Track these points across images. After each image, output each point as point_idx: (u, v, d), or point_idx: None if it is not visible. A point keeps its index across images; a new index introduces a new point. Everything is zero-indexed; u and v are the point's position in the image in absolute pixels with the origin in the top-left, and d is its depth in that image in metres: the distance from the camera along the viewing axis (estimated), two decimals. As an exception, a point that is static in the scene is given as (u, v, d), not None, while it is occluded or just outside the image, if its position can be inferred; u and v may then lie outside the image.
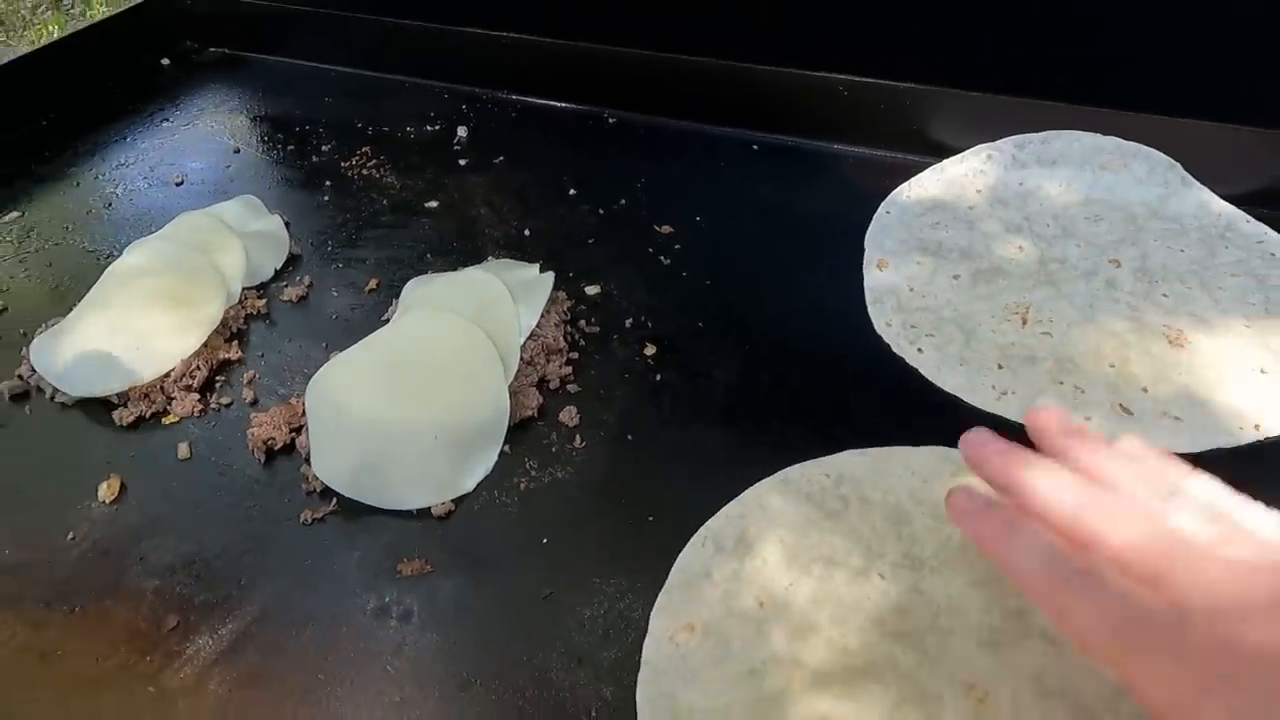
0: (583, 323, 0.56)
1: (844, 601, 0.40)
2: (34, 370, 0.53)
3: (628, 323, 0.56)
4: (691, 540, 0.43)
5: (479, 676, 0.39)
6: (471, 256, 0.62)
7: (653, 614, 0.40)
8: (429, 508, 0.45)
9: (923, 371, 0.52)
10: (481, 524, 0.45)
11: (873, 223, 0.64)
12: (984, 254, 0.60)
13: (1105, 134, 0.66)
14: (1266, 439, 0.47)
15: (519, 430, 0.50)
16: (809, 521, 0.43)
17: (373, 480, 0.46)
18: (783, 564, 0.42)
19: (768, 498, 0.45)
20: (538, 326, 0.53)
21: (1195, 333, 0.53)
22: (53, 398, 0.52)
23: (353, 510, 0.46)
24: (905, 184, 0.67)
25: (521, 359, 0.51)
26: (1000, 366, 0.52)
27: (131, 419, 0.51)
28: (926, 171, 0.68)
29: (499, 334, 0.51)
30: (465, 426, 0.48)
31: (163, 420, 0.51)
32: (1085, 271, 0.58)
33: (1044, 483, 0.34)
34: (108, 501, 0.47)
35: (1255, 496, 0.44)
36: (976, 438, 0.38)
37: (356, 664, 0.39)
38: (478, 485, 0.47)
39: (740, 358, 0.54)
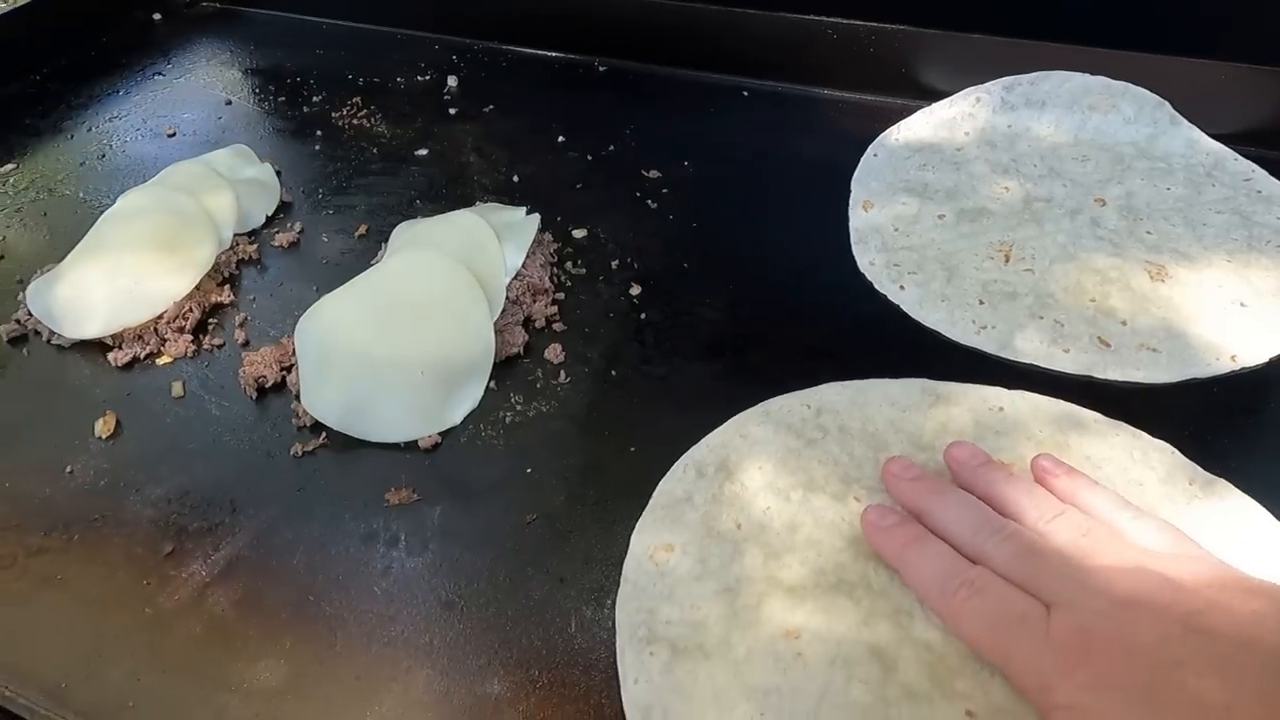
0: (569, 264, 0.57)
1: (821, 524, 0.41)
2: (30, 314, 0.54)
3: (614, 264, 0.57)
4: (673, 467, 0.44)
5: (463, 597, 0.40)
6: (460, 202, 0.62)
7: (633, 535, 0.41)
8: (416, 441, 0.46)
9: (904, 308, 0.53)
10: (467, 456, 0.46)
11: (860, 165, 0.64)
12: (969, 194, 0.60)
13: (1094, 74, 0.65)
14: (1242, 369, 0.48)
15: (505, 367, 0.50)
16: (789, 449, 0.44)
17: (361, 415, 0.47)
18: (762, 489, 0.43)
19: (749, 427, 0.46)
20: (523, 267, 0.54)
21: (1177, 268, 0.53)
22: (49, 340, 0.53)
23: (342, 444, 0.47)
24: (894, 127, 0.67)
25: (507, 298, 0.52)
26: (981, 302, 0.52)
27: (126, 360, 0.52)
28: (916, 114, 0.68)
29: (485, 273, 0.52)
30: (452, 362, 0.48)
31: (156, 361, 0.52)
32: (1070, 210, 0.58)
33: (948, 508, 0.38)
34: (104, 437, 0.48)
35: (1230, 424, 0.45)
36: (896, 467, 0.41)
37: (345, 585, 0.40)
38: (464, 419, 0.48)
39: (724, 296, 0.54)
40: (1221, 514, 0.40)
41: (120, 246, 0.55)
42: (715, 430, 0.46)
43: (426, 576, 0.41)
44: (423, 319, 0.50)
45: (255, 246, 0.60)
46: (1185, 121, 0.64)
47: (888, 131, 0.67)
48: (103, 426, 0.48)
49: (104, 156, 0.70)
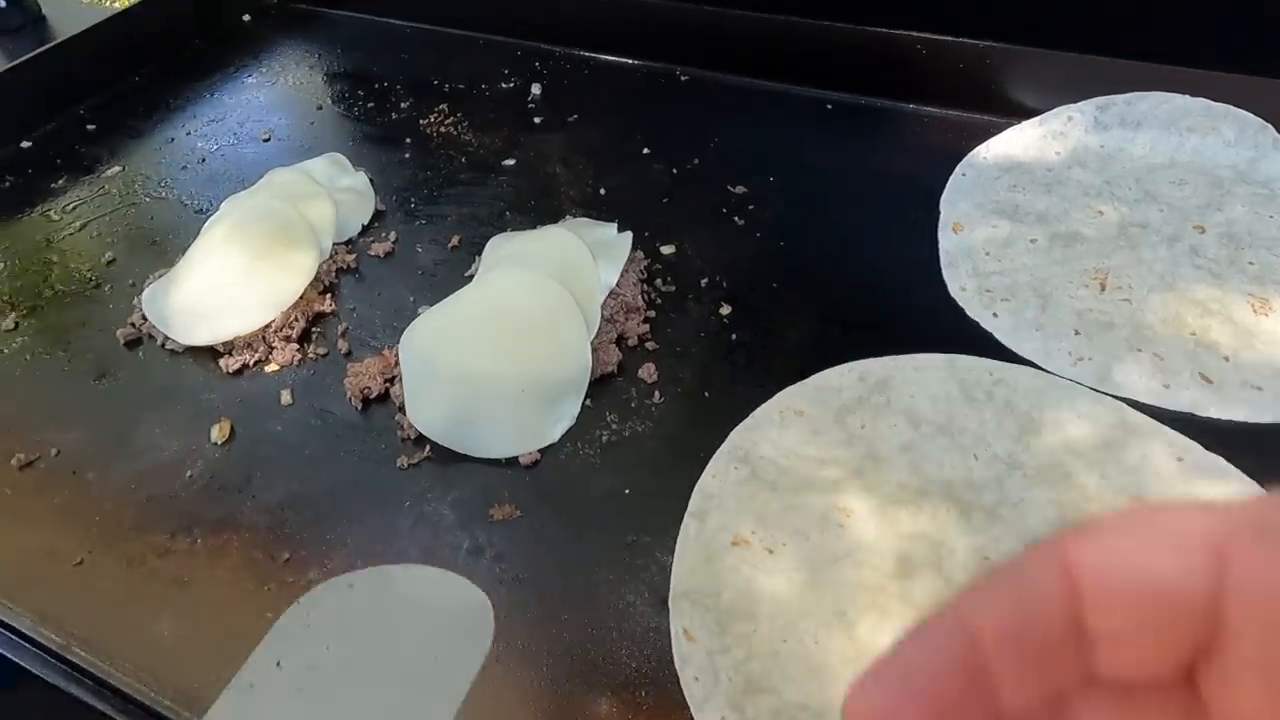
0: (659, 281, 0.58)
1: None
2: (145, 319, 0.57)
3: (703, 282, 0.58)
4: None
5: (569, 612, 0.41)
6: (549, 215, 0.63)
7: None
8: (518, 457, 0.48)
9: (998, 336, 0.53)
10: (567, 473, 0.48)
11: (948, 184, 0.63)
12: (1062, 218, 0.60)
13: (1193, 95, 0.64)
14: (1351, 410, 0.47)
15: (600, 385, 0.52)
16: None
17: (464, 429, 0.48)
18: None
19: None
20: (617, 285, 0.55)
21: (1279, 300, 0.52)
22: (163, 345, 0.56)
23: (445, 457, 0.49)
24: (982, 145, 0.66)
25: (602, 316, 0.53)
26: (1077, 333, 0.52)
27: (236, 367, 0.54)
28: (1005, 132, 0.67)
29: (581, 292, 0.53)
30: (550, 380, 0.50)
31: (265, 369, 0.54)
32: (1167, 237, 0.57)
33: None
34: (220, 443, 0.50)
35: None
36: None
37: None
38: (562, 436, 0.49)
39: (814, 318, 0.55)
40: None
41: (228, 255, 0.57)
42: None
43: (531, 592, 0.42)
44: (522, 337, 0.51)
45: (353, 256, 0.62)
46: (1290, 146, 0.62)
47: (976, 150, 0.66)
48: (219, 432, 0.50)
49: (204, 160, 0.73)
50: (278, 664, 0.39)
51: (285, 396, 0.52)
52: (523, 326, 0.51)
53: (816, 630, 0.40)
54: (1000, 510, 0.43)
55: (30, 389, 0.55)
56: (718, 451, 0.47)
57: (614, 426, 0.50)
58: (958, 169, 0.65)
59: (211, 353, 0.55)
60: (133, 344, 0.57)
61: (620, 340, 0.54)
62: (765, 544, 0.43)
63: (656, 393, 0.51)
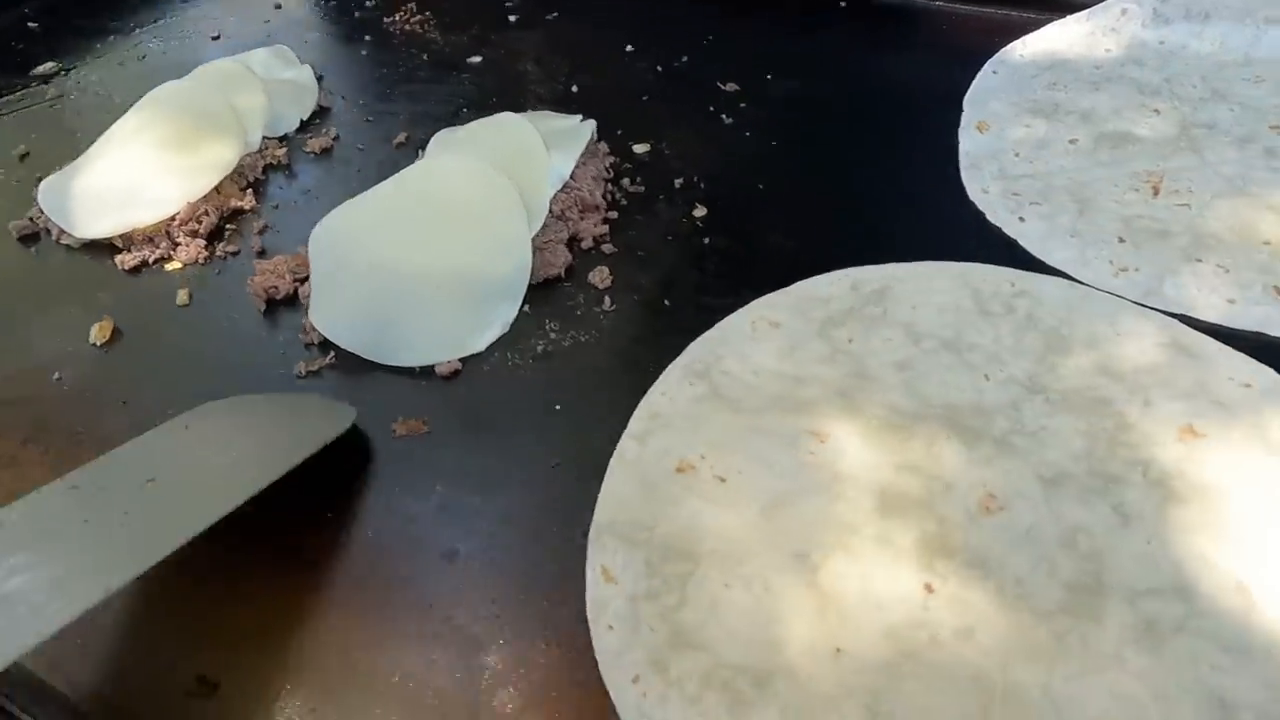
0: (626, 181, 0.50)
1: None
2: (43, 212, 0.50)
3: (677, 182, 0.49)
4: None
5: (467, 549, 0.34)
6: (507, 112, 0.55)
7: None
8: (433, 366, 0.40)
9: (1023, 243, 0.43)
10: (489, 387, 0.40)
11: (975, 83, 0.54)
12: (1110, 117, 0.50)
13: (1276, -21, 0.54)
14: None
15: (542, 290, 0.44)
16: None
17: (372, 333, 0.41)
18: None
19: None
20: (573, 180, 0.47)
21: (1380, 208, 0.43)
22: (59, 240, 0.49)
23: (353, 364, 0.41)
24: (1018, 41, 0.57)
25: (551, 213, 0.45)
26: (1121, 240, 0.43)
27: (134, 263, 0.47)
28: (1046, 28, 0.58)
29: (527, 183, 0.45)
30: (481, 280, 0.42)
31: (166, 267, 0.47)
32: (1239, 138, 0.47)
33: None
34: (99, 344, 0.43)
35: None
36: None
37: (334, 524, 0.35)
38: (490, 346, 0.41)
39: (804, 223, 0.46)
40: None
41: (137, 145, 0.50)
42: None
43: (428, 523, 0.35)
44: (451, 229, 0.43)
45: (285, 151, 0.54)
46: (1392, 38, 0.52)
47: (1010, 46, 0.57)
48: (98, 333, 0.43)
49: (144, 58, 0.66)
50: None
51: (182, 296, 0.45)
52: (452, 218, 0.44)
53: (768, 575, 0.31)
54: (1013, 439, 0.35)
55: (-89, 285, 0.49)
56: (671, 365, 0.39)
57: (553, 335, 0.42)
58: (987, 66, 0.55)
59: (111, 249, 0.48)
60: (28, 239, 0.50)
61: (573, 241, 0.46)
62: (717, 471, 0.35)
63: (608, 299, 0.43)
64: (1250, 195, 0.44)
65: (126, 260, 0.47)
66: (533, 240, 0.44)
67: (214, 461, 0.35)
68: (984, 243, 0.44)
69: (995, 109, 0.52)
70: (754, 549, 0.32)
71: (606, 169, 0.50)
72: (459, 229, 0.43)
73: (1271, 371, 0.36)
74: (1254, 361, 0.36)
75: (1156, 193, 0.45)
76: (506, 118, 0.49)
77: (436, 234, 0.43)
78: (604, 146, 0.51)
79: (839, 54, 0.59)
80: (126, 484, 0.33)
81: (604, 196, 0.48)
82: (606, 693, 0.29)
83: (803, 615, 0.30)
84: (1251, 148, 0.47)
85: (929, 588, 0.31)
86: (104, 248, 0.49)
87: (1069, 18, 0.58)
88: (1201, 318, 0.39)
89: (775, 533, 0.33)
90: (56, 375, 0.42)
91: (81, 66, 0.66)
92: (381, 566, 0.33)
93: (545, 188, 0.45)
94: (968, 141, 0.50)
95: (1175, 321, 0.39)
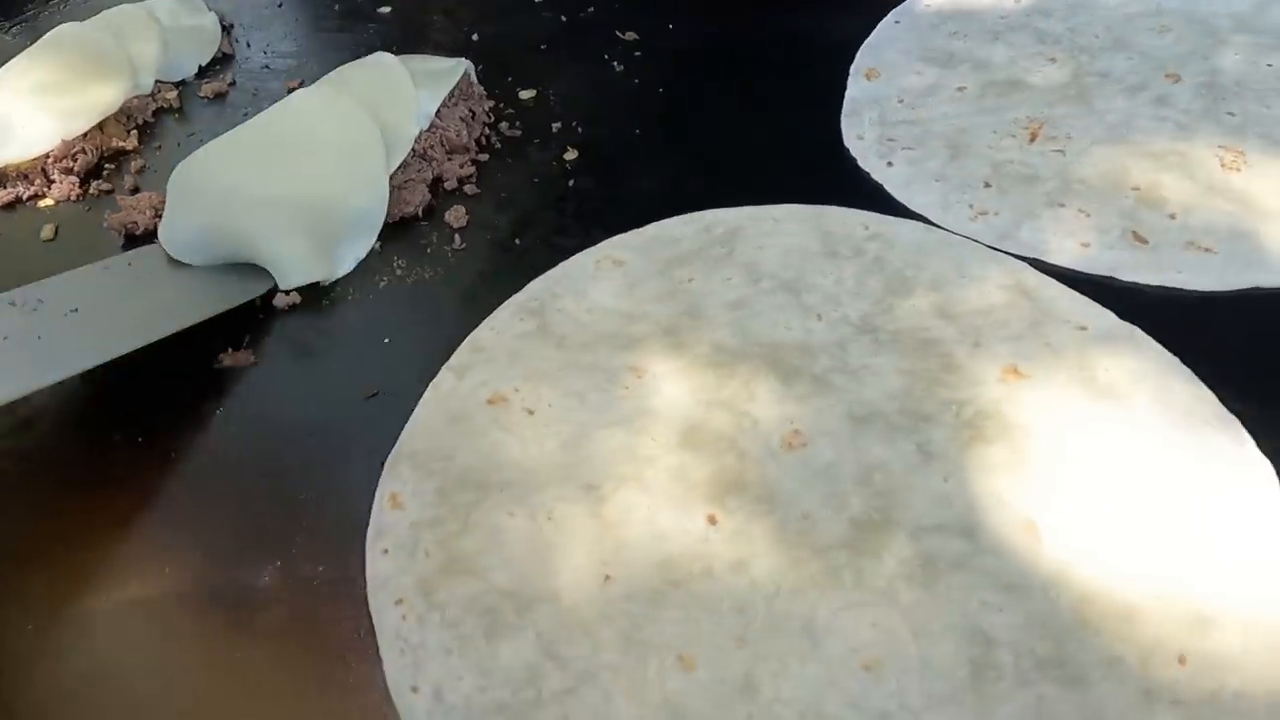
0: (505, 125, 0.49)
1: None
2: (-79, 147, 0.50)
3: (555, 127, 0.49)
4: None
5: (272, 467, 0.33)
6: (407, 59, 0.55)
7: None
8: (272, 298, 0.40)
9: (889, 188, 0.42)
10: (324, 320, 0.39)
11: (875, 31, 0.53)
12: (1005, 66, 0.48)
13: (1192, -74, 0.52)
14: (1328, 281, 0.36)
15: (398, 228, 0.43)
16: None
17: (224, 256, 0.41)
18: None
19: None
20: (440, 120, 0.46)
21: (1260, 155, 0.41)
22: (-62, 177, 0.50)
23: (196, 298, 0.41)
24: (926, -8, 0.55)
25: (414, 152, 0.45)
26: (988, 185, 0.41)
27: (8, 199, 0.47)
28: (958, -21, 0.56)
29: (390, 120, 0.44)
30: (333, 214, 0.41)
31: (39, 203, 0.47)
32: (1131, 87, 0.46)
33: None
34: (-43, 277, 0.43)
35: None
36: None
37: (147, 444, 0.35)
38: (335, 281, 0.41)
39: (673, 166, 0.45)
40: (1225, 473, 0.30)
41: (19, 83, 0.50)
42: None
43: (233, 444, 0.35)
44: (308, 162, 0.43)
45: (177, 95, 0.54)
46: (1308, -12, 0.50)
47: (916, -3, 0.55)
48: (-44, 265, 0.44)
49: (66, 5, 0.66)
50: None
51: (47, 231, 0.45)
52: (310, 151, 0.43)
53: (554, 505, 0.31)
54: (832, 378, 0.34)
55: None
56: (507, 301, 0.38)
57: (398, 272, 0.41)
58: (890, 15, 0.54)
59: (-12, 186, 0.49)
60: (-90, 177, 0.51)
61: (437, 182, 0.45)
62: (527, 404, 0.34)
63: (458, 238, 0.42)
64: (1129, 143, 0.42)
65: (1, 196, 0.47)
66: (392, 178, 0.43)
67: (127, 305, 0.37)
68: (853, 188, 0.43)
69: (889, 57, 0.50)
70: (546, 480, 0.32)
71: (486, 113, 0.49)
72: (316, 162, 0.43)
73: (1111, 315, 0.35)
74: (1096, 305, 0.35)
75: (1034, 139, 0.43)
76: (380, 57, 0.48)
77: (293, 166, 0.43)
78: (481, 90, 0.50)
79: (747, 3, 0.57)
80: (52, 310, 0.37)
81: (478, 140, 0.47)
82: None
83: (580, 544, 0.30)
84: (1141, 95, 0.45)
85: (712, 520, 0.30)
86: (-18, 184, 0.49)
87: (983, -32, 0.56)
88: (1053, 261, 0.38)
89: (571, 464, 0.32)
90: (-92, 305, 0.42)
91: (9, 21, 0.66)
92: (180, 480, 0.33)
93: (409, 126, 0.45)
94: (854, 88, 0.48)
95: (1025, 265, 0.37)
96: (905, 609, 0.27)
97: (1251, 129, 0.42)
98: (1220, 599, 0.26)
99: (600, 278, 0.39)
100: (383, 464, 0.33)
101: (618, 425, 0.33)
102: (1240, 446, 0.30)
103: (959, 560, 0.28)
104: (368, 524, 0.31)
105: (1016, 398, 0.32)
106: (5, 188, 0.48)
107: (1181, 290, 0.36)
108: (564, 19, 0.58)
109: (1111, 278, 0.37)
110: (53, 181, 0.48)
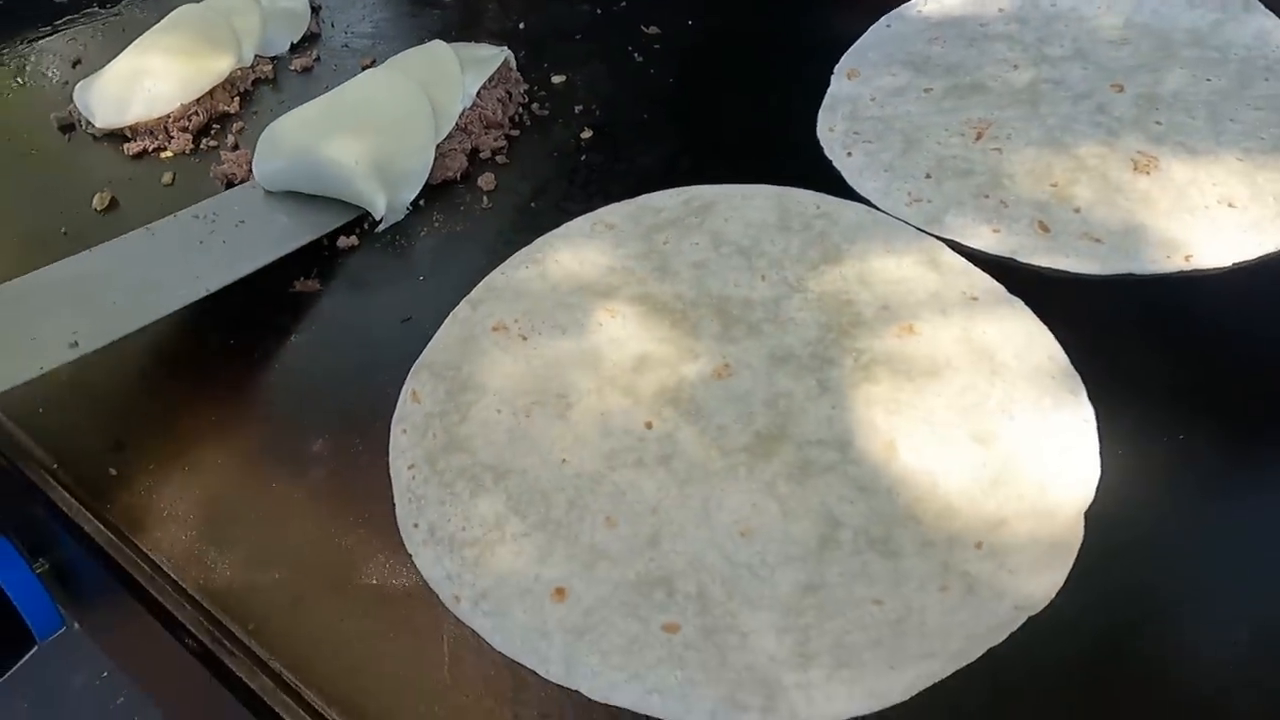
0: (535, 105, 0.58)
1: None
2: (75, 106, 0.62)
3: (577, 109, 0.57)
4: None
5: (324, 367, 0.44)
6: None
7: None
8: (336, 240, 0.50)
9: (845, 175, 0.50)
10: (374, 258, 0.50)
11: (866, 34, 0.59)
12: (972, 70, 0.55)
13: (1164, -52, 0.57)
14: (1194, 271, 0.42)
15: (439, 189, 0.53)
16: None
17: (297, 182, 0.51)
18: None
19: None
20: (481, 100, 0.55)
21: (1172, 161, 0.47)
22: (86, 129, 0.61)
23: (278, 237, 0.51)
24: (921, -1, 0.62)
25: (457, 125, 0.54)
26: (928, 176, 0.48)
27: (138, 150, 0.59)
28: (952, -13, 0.62)
29: (440, 98, 0.54)
30: (388, 171, 0.51)
31: (161, 155, 0.59)
32: (1078, 94, 0.52)
33: None
34: (99, 210, 0.55)
35: (1154, 329, 0.40)
36: None
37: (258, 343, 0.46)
38: (386, 229, 0.51)
39: (669, 147, 0.53)
40: (1053, 414, 0.37)
41: (150, 53, 0.62)
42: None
43: (303, 353, 0.45)
44: (370, 129, 0.53)
45: (272, 68, 0.65)
46: (1264, 9, 0.54)
47: (912, 2, 0.61)
48: (99, 201, 0.55)
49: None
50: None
51: (167, 178, 0.57)
52: (372, 120, 0.53)
53: (532, 406, 0.40)
54: (764, 326, 0.42)
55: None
56: (518, 252, 0.48)
57: (436, 225, 0.51)
58: (883, 19, 0.60)
59: (122, 138, 0.60)
60: (65, 128, 0.62)
61: (474, 152, 0.55)
62: (521, 331, 0.43)
63: (486, 199, 0.52)
64: (1059, 145, 0.49)
65: (131, 148, 0.59)
66: (437, 147, 0.53)
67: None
68: (818, 173, 0.50)
69: (872, 58, 0.57)
70: (527, 389, 0.41)
71: (521, 94, 0.58)
72: (377, 129, 0.52)
73: (1001, 289, 0.42)
74: (990, 280, 0.43)
75: (979, 138, 0.50)
76: (435, 45, 0.57)
77: (359, 130, 0.52)
78: (517, 75, 0.59)
79: (766, 4, 0.65)
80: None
81: (511, 117, 0.57)
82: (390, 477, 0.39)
83: (546, 436, 0.39)
84: (1084, 103, 0.51)
85: (649, 424, 0.39)
86: (117, 137, 0.60)
87: (976, -22, 0.62)
88: (966, 243, 0.45)
89: (548, 378, 0.41)
90: (64, 230, 0.54)
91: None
92: (259, 373, 0.44)
93: (455, 105, 0.54)
94: (835, 86, 0.56)
95: (943, 245, 0.45)
96: (780, 497, 0.36)
97: (1171, 137, 0.48)
98: (1018, 506, 0.34)
99: (594, 237, 0.48)
100: (409, 370, 0.43)
101: (589, 351, 0.42)
102: (1074, 395, 0.37)
103: (829, 466, 0.36)
104: (393, 412, 0.41)
105: (905, 350, 0.40)
106: (136, 140, 0.59)
107: (1066, 273, 0.43)
108: (599, 11, 0.66)
109: (1012, 259, 0.44)
110: (172, 137, 0.59)
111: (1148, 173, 0.46)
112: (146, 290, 0.44)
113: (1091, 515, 0.33)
